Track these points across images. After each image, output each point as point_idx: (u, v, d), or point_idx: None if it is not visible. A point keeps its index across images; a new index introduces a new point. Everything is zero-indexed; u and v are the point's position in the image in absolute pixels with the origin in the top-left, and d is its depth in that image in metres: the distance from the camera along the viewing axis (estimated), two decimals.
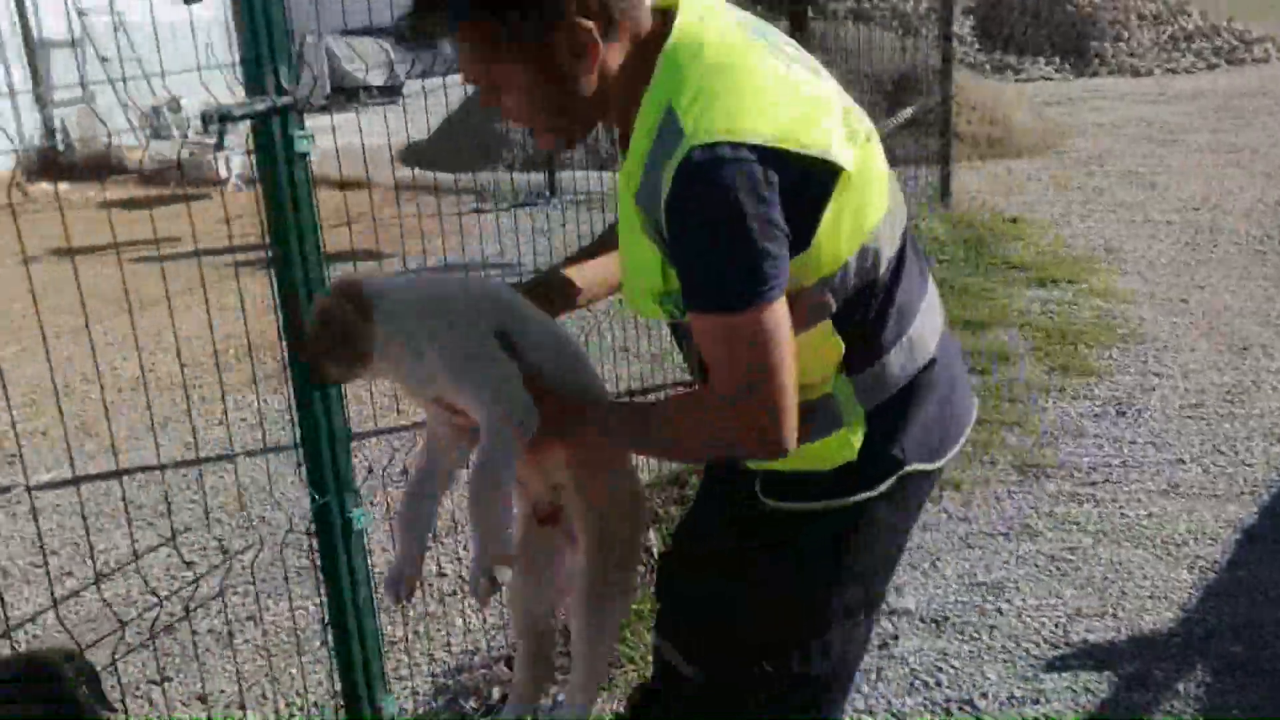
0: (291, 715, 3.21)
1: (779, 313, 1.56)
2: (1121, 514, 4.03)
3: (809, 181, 1.58)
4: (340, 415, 2.54)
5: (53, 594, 3.75)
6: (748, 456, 1.79)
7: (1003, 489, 4.23)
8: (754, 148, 1.52)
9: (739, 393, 1.60)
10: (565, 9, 1.59)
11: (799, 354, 1.62)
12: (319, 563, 2.63)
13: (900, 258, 1.76)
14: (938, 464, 1.81)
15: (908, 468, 1.76)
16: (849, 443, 1.74)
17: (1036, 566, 3.73)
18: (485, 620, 3.55)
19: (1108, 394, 5.00)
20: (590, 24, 1.60)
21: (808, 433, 1.68)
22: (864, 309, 1.71)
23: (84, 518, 4.43)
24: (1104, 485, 4.23)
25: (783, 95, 1.59)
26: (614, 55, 1.65)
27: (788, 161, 1.54)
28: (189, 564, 3.97)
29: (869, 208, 1.67)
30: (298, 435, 2.55)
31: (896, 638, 3.40)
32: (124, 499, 4.59)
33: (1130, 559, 3.75)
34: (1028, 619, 3.46)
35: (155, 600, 3.41)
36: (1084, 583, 3.63)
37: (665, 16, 1.67)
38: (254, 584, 3.57)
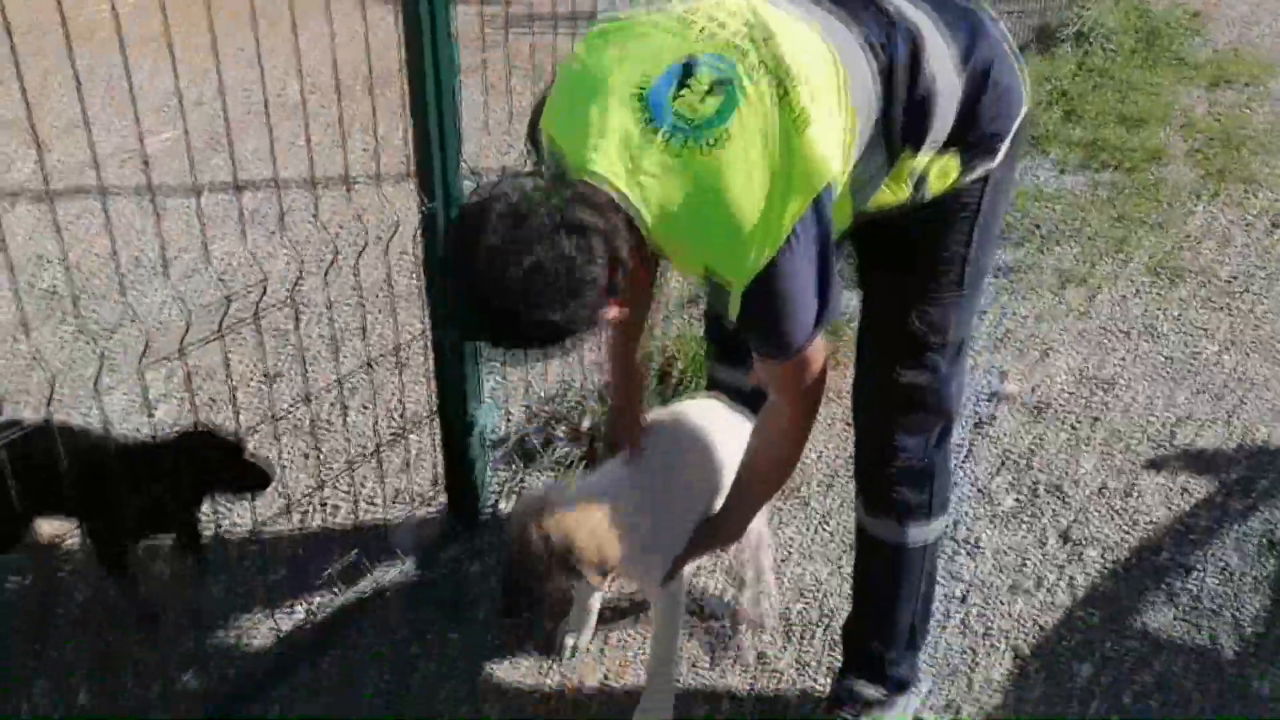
0: (390, 423, 3.35)
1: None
2: (1255, 327, 3.81)
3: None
4: (454, 127, 2.50)
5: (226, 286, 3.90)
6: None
7: (1131, 288, 4.03)
8: (788, 239, 1.69)
9: (802, 396, 1.94)
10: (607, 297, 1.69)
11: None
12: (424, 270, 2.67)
13: (886, 59, 1.81)
14: (1028, 104, 1.97)
15: (1013, 128, 1.93)
16: (949, 169, 1.89)
17: (1153, 367, 3.59)
18: (583, 356, 3.60)
19: (1266, 204, 4.65)
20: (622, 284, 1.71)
21: (920, 195, 1.91)
22: (896, 124, 1.83)
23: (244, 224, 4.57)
24: (1242, 296, 3.99)
25: (757, 178, 1.68)
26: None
27: (812, 204, 1.71)
28: (310, 273, 4.08)
29: (839, 114, 1.74)
30: (410, 145, 2.53)
31: (994, 418, 3.34)
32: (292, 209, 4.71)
33: (1256, 372, 3.57)
34: (1134, 416, 3.35)
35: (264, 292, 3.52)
36: (1201, 389, 3.48)
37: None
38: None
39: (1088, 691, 2.45)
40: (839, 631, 2.59)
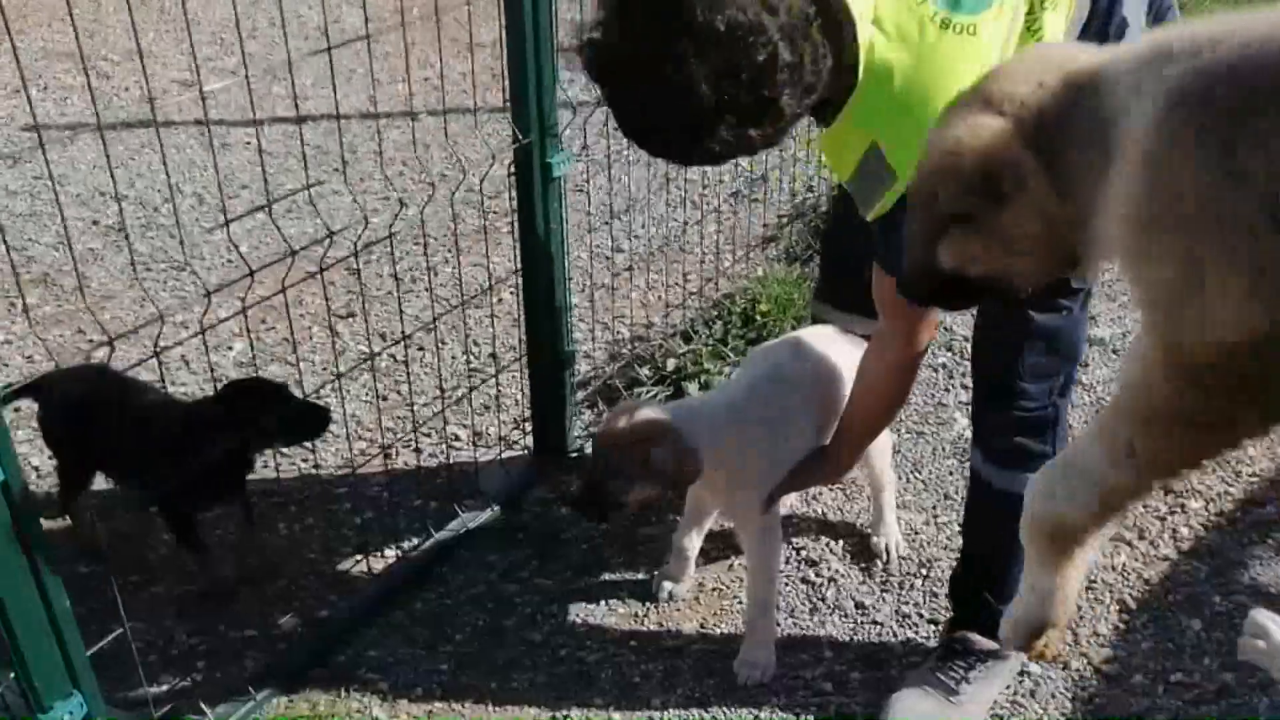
0: (469, 359, 3.30)
1: None
2: None
3: None
4: (550, 60, 2.41)
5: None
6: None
7: None
8: None
9: (918, 327, 1.95)
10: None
11: None
12: (514, 207, 2.60)
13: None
14: None
15: None
16: None
17: None
18: (661, 297, 3.53)
19: None
20: None
21: None
22: None
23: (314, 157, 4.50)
24: None
25: None
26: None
27: None
28: (374, 211, 4.01)
29: None
30: (505, 76, 2.45)
31: (1086, 365, 3.25)
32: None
33: None
34: None
35: (337, 235, 3.47)
36: None
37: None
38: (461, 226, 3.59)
39: (1198, 647, 2.39)
40: (938, 581, 2.55)
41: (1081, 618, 2.47)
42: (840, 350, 2.40)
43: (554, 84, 2.43)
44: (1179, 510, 2.74)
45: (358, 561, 2.60)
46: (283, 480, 2.85)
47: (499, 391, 3.00)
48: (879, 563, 2.61)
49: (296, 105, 3.91)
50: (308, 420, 2.38)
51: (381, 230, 3.46)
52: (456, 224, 3.16)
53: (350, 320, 3.53)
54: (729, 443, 2.23)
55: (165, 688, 2.30)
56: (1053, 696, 2.30)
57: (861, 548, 2.66)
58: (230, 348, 3.36)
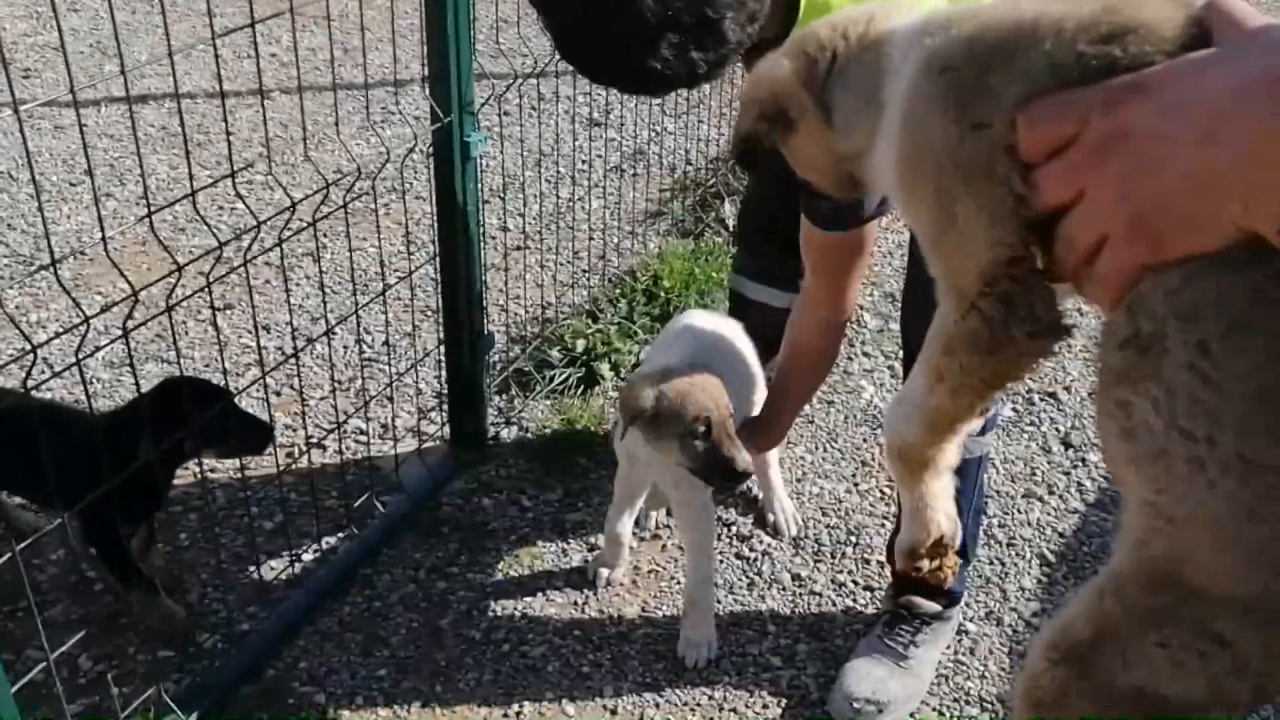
0: (361, 349, 3.14)
1: None
2: None
3: None
4: (468, 37, 2.31)
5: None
6: None
7: None
8: None
9: (849, 282, 2.06)
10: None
11: None
12: (433, 184, 2.48)
13: None
14: None
15: None
16: None
17: None
18: (555, 276, 3.45)
19: None
20: None
21: None
22: None
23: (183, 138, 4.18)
24: None
25: None
26: None
27: None
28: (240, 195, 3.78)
29: None
30: (424, 51, 2.33)
31: None
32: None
33: None
34: None
35: (212, 233, 3.26)
36: None
37: None
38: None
39: None
40: (868, 549, 2.59)
41: (1006, 574, 2.56)
42: (727, 327, 2.46)
43: (471, 61, 2.33)
44: (1081, 464, 2.87)
45: (274, 569, 2.45)
46: (177, 485, 2.65)
47: (417, 380, 2.88)
48: (808, 534, 2.63)
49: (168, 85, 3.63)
50: (243, 431, 2.20)
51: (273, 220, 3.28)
52: (341, 209, 3.00)
53: (228, 313, 3.32)
54: None
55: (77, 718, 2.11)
56: (990, 652, 2.37)
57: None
58: (97, 346, 3.11)
